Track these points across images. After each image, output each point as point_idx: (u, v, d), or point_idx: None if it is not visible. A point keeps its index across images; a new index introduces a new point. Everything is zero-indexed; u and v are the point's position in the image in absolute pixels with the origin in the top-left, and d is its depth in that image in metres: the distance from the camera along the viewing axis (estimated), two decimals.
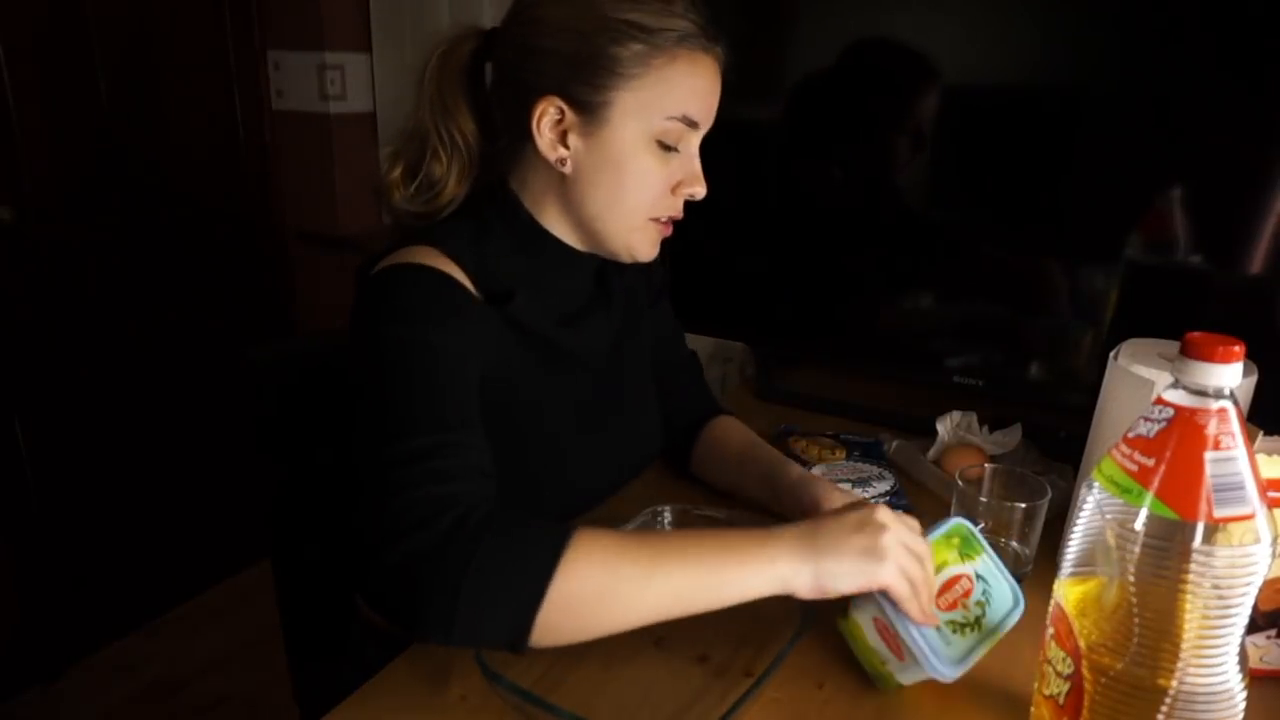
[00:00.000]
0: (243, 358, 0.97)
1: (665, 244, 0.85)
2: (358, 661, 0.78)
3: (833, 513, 0.66)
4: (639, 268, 0.94)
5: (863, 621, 0.66)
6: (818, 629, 0.73)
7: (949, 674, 0.62)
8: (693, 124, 0.77)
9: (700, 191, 0.80)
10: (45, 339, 1.75)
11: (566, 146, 0.76)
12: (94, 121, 1.77)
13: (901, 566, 0.61)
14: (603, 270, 0.91)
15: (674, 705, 0.65)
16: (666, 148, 0.77)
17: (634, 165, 0.76)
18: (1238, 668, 0.52)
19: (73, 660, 1.87)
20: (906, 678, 0.65)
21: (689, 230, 1.24)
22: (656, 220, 0.80)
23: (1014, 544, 0.83)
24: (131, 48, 1.81)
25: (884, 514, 0.63)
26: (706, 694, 0.67)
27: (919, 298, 1.14)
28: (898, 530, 0.62)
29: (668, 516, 0.84)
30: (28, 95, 1.65)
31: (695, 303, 1.28)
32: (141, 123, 1.85)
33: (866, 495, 0.93)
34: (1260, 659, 0.69)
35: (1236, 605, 0.50)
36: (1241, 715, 0.52)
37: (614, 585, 0.59)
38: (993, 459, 1.02)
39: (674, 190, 0.79)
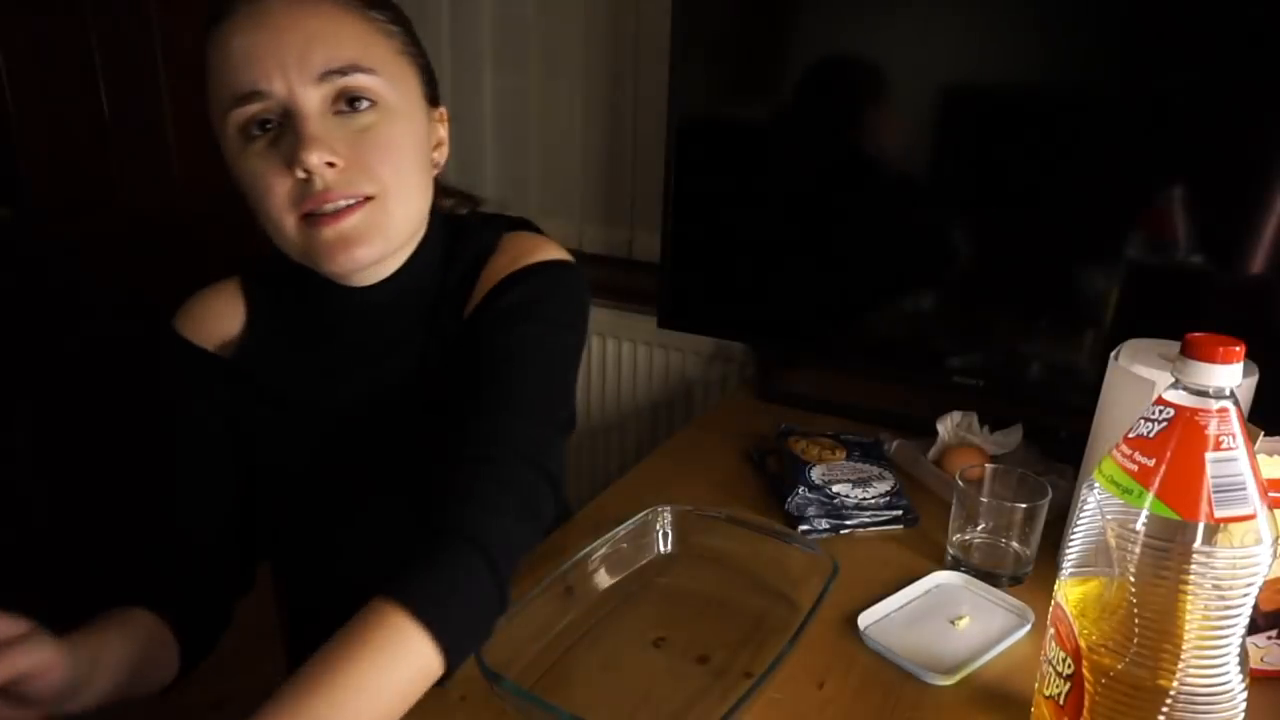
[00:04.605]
0: None
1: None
2: None
3: None
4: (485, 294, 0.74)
5: None
6: (817, 629, 0.73)
7: None
8: (246, 97, 0.63)
9: (306, 159, 0.62)
10: (45, 339, 1.75)
11: None
12: (94, 121, 1.77)
13: None
14: (432, 310, 0.75)
15: (674, 705, 0.65)
16: (251, 135, 0.64)
17: (239, 167, 0.66)
18: (1238, 668, 0.52)
19: None
20: None
21: (690, 230, 1.25)
22: (307, 216, 0.65)
23: (1014, 544, 0.83)
24: (132, 47, 1.81)
25: None
26: (706, 694, 0.66)
27: (919, 297, 1.14)
28: None
29: (668, 517, 0.84)
30: (28, 96, 1.65)
31: (695, 303, 1.28)
32: (141, 122, 1.85)
33: (866, 495, 0.94)
34: (1261, 659, 0.69)
35: (1237, 606, 0.50)
36: (1242, 716, 0.52)
37: None
38: (993, 459, 1.02)
39: (292, 169, 0.63)
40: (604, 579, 0.79)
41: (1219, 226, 0.95)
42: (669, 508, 0.84)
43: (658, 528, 0.84)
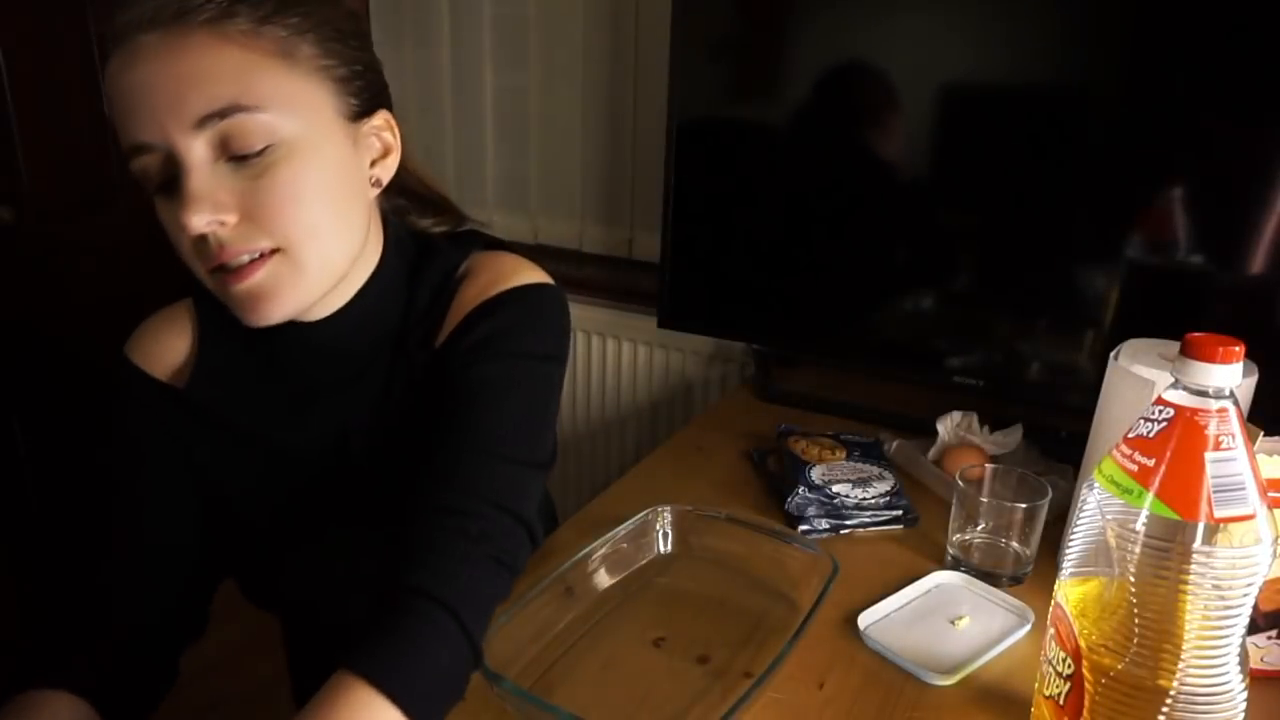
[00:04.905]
0: None
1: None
2: None
3: None
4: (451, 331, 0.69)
5: None
6: (817, 629, 0.73)
7: None
8: (134, 149, 0.58)
9: (187, 221, 0.57)
10: (45, 339, 1.75)
11: None
12: (94, 121, 1.77)
13: None
14: (398, 339, 0.71)
15: (674, 705, 0.65)
16: (159, 188, 0.60)
17: (161, 218, 0.62)
18: (1238, 668, 0.52)
19: None
20: None
21: (690, 230, 1.25)
22: (217, 271, 0.61)
23: (1014, 544, 0.83)
24: None
25: None
26: (706, 694, 0.66)
27: (919, 297, 1.14)
28: None
29: (668, 517, 0.84)
30: (28, 95, 1.65)
31: (695, 303, 1.28)
32: None
33: (866, 495, 0.94)
34: (1261, 659, 0.69)
35: (1237, 606, 0.50)
36: (1242, 716, 0.52)
37: None
38: (993, 459, 1.02)
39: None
40: (604, 579, 0.79)
41: (1219, 226, 0.95)
42: (669, 508, 0.84)
43: (658, 528, 0.84)
